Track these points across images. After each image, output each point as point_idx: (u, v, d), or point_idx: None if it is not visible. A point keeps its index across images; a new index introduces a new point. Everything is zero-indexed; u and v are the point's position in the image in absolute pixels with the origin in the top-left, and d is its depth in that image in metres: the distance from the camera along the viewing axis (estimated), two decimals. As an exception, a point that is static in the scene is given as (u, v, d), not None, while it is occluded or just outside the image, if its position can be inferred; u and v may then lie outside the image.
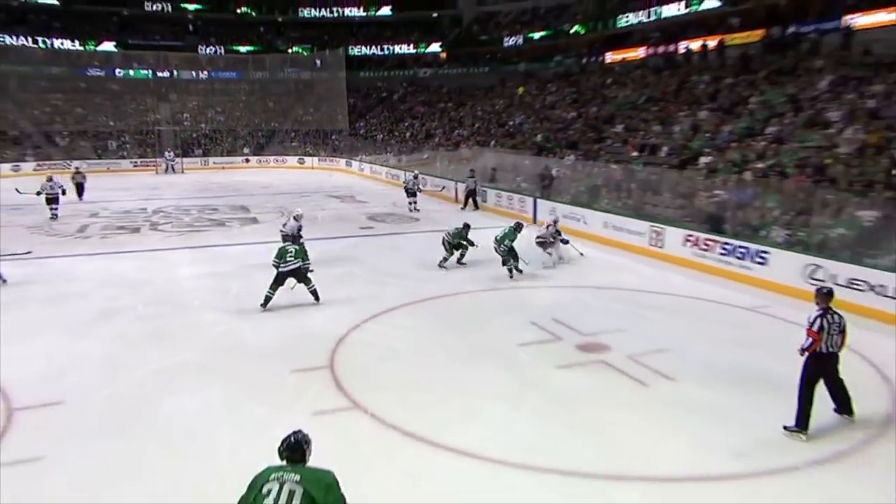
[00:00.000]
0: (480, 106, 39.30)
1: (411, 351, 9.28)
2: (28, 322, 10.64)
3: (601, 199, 18.32)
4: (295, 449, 4.06)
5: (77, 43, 47.34)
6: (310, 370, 8.52)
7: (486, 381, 8.17)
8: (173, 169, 39.02)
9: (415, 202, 22.48)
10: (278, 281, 10.92)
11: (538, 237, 14.41)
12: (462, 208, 22.71)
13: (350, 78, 47.61)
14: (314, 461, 4.14)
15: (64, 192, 22.16)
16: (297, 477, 3.88)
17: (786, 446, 6.51)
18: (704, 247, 13.70)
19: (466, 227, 14.14)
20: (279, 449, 4.08)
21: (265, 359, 8.91)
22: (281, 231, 14.70)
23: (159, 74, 48.58)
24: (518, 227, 13.34)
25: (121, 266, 14.80)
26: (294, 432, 4.20)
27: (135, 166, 40.44)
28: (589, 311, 10.89)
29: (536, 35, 44.68)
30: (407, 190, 22.95)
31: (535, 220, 19.04)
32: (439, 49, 51.99)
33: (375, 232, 18.97)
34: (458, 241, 14.03)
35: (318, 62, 50.95)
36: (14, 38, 45.24)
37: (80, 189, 25.61)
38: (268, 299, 10.92)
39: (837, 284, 10.77)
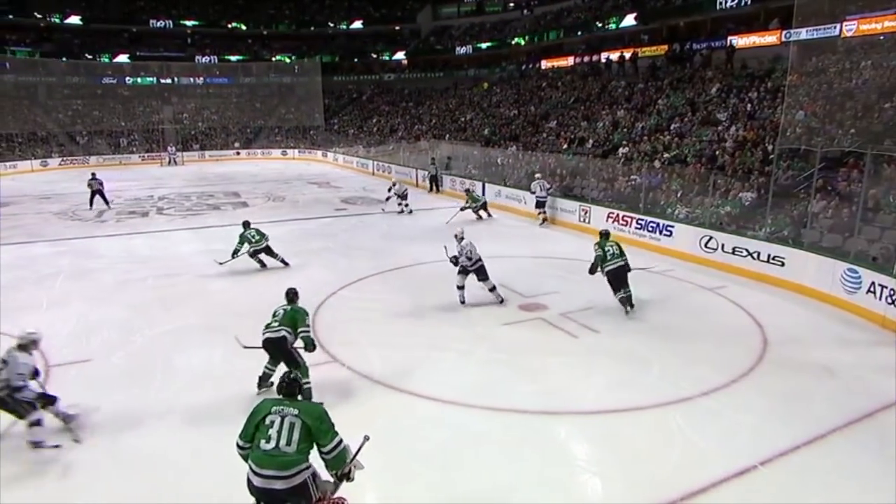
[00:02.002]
0: (436, 105, 39.00)
1: (380, 312, 9.31)
2: (60, 293, 10.46)
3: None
4: (291, 386, 4.08)
5: (95, 56, 46.55)
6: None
7: (443, 336, 8.28)
8: (175, 161, 38.01)
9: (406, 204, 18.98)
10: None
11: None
12: (429, 191, 22.64)
13: (325, 81, 46.95)
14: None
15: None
16: (296, 410, 3.90)
17: (684, 382, 6.74)
18: (624, 222, 13.93)
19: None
20: (278, 386, 4.09)
21: (257, 319, 8.79)
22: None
23: (163, 81, 47.35)
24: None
25: (134, 245, 14.52)
26: (288, 372, 4.30)
27: (143, 160, 39.31)
28: (529, 277, 11.01)
29: (484, 45, 44.38)
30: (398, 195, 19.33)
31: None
32: (402, 57, 51.41)
33: (347, 213, 18.86)
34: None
35: (298, 68, 50.11)
36: (43, 53, 44.76)
37: (97, 195, 20.03)
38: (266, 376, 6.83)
39: (724, 252, 11.19)
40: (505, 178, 20.13)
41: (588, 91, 27.13)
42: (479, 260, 9.38)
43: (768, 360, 7.37)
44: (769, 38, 22.46)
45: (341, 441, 3.96)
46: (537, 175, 16.81)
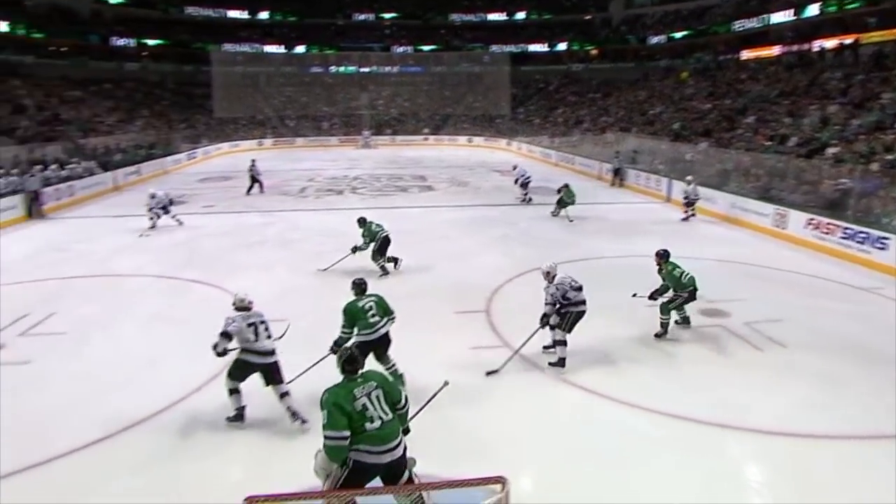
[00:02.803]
0: (625, 97, 37.71)
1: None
2: (265, 259, 11.75)
3: (730, 183, 17.12)
4: (356, 360, 4.01)
5: (305, 48, 51.69)
6: (470, 312, 8.77)
7: (614, 335, 8.02)
8: (369, 145, 40.71)
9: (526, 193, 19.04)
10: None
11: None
12: (610, 185, 22.01)
13: (513, 72, 47.42)
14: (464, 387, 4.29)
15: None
16: (373, 383, 3.92)
17: (884, 413, 5.92)
18: (826, 230, 12.47)
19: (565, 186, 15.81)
20: (342, 364, 3.98)
21: (436, 300, 9.25)
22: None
23: (362, 70, 51.12)
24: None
25: (329, 220, 15.88)
26: (345, 348, 4.18)
27: (340, 142, 42.65)
28: (712, 281, 10.21)
29: (678, 34, 41.95)
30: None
31: (668, 198, 18.23)
32: (591, 47, 50.25)
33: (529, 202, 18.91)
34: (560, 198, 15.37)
35: (487, 58, 51.06)
36: (266, 46, 51.16)
37: (255, 182, 20.45)
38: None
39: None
40: (694, 175, 18.92)
41: (794, 84, 24.62)
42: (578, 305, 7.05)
43: None
44: None
45: (407, 397, 4.08)
46: (689, 178, 16.04)
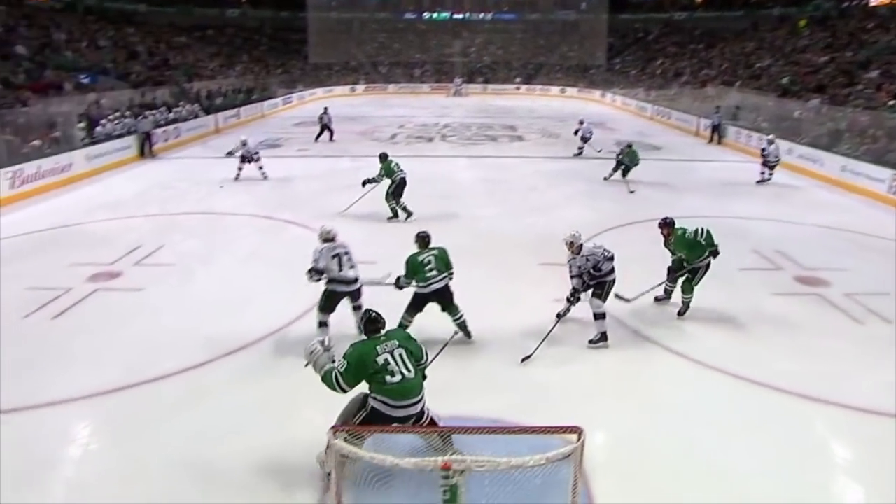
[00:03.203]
0: (730, 48, 35.24)
1: (640, 261, 9.02)
2: (356, 204, 12.09)
3: (842, 144, 15.85)
4: (377, 321, 4.20)
5: None
6: (552, 265, 8.71)
7: (703, 297, 7.74)
8: (460, 93, 40.39)
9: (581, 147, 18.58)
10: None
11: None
12: (708, 142, 20.88)
13: (611, 19, 45.31)
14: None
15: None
16: (395, 342, 4.10)
17: None
18: (950, 200, 11.41)
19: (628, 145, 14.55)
20: (365, 325, 4.20)
21: (520, 251, 9.24)
22: None
23: (455, 17, 50.26)
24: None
25: (419, 167, 15.95)
26: (368, 310, 4.35)
27: (431, 89, 42.53)
28: (813, 248, 9.72)
29: (797, -21, 38.51)
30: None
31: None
32: (697, -7, 47.14)
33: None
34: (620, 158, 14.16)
35: (584, 4, 48.87)
36: None
37: (325, 129, 20.52)
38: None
39: None
40: (801, 135, 17.66)
41: (931, 35, 22.18)
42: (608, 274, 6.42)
43: None
44: None
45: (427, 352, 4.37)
46: (770, 136, 14.75)
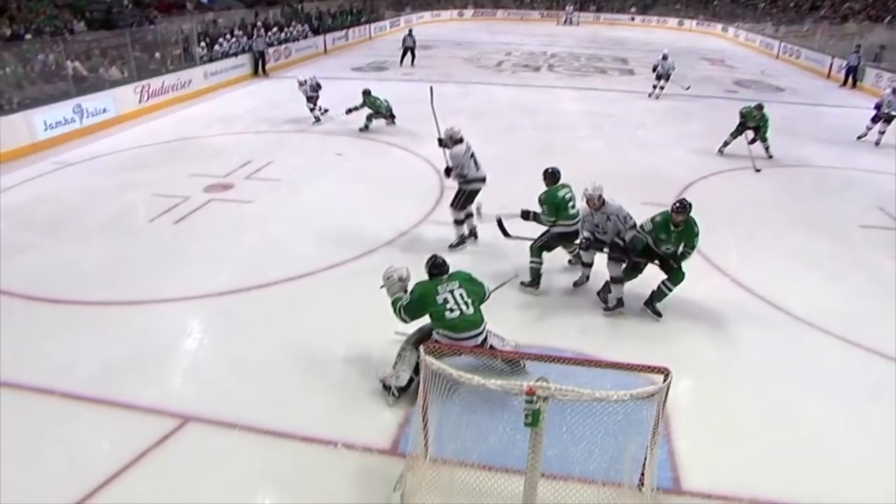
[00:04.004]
0: (883, -23, 31.31)
1: (748, 206, 8.57)
2: (459, 128, 12.04)
3: None
4: (443, 265, 4.47)
5: None
6: (654, 205, 8.37)
7: (815, 251, 7.28)
8: (571, 21, 38.60)
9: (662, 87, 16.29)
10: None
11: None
12: (841, 85, 18.84)
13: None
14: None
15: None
16: (456, 283, 4.40)
17: None
18: None
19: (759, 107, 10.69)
20: (429, 269, 4.47)
21: (622, 187, 8.62)
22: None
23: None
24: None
25: (523, 96, 15.72)
26: (434, 255, 4.55)
27: (542, 17, 40.83)
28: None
29: None
30: None
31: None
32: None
33: (739, 96, 16.93)
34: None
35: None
36: None
37: (409, 52, 20.32)
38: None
39: None
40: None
41: None
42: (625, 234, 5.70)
43: None
44: None
45: (489, 290, 4.68)
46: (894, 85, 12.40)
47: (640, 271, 5.68)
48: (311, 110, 12.49)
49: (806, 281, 6.56)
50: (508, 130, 11.80)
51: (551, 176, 6.11)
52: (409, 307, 4.42)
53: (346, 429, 4.15)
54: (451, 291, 4.36)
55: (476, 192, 6.85)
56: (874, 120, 11.97)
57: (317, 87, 12.42)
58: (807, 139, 12.32)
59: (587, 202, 5.63)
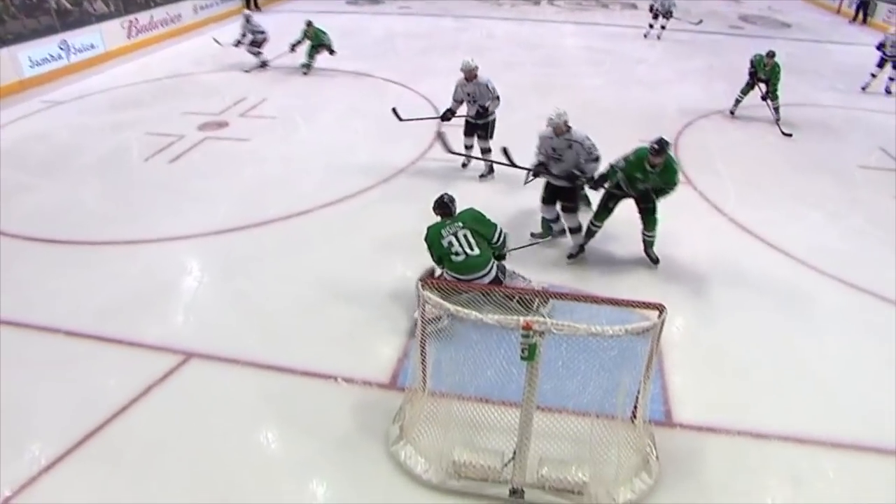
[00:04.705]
0: None
1: (747, 146, 8.51)
2: (456, 64, 11.70)
3: None
4: (444, 206, 4.52)
5: None
6: (655, 143, 8.38)
7: (815, 191, 7.25)
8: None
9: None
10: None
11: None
12: (851, 20, 18.13)
13: None
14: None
15: None
16: (460, 223, 4.44)
17: None
18: None
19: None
20: (434, 209, 4.53)
21: (621, 125, 8.74)
22: None
23: None
24: None
25: (522, 31, 15.33)
26: (442, 195, 4.58)
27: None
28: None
29: None
30: None
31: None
32: None
33: (744, 32, 16.49)
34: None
35: None
36: None
37: None
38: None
39: None
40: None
41: None
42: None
43: None
44: None
45: (502, 230, 4.56)
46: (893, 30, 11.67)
47: (611, 211, 5.47)
48: (257, 54, 11.62)
49: (805, 221, 6.58)
50: (507, 66, 11.54)
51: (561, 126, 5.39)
52: (430, 252, 4.53)
53: (345, 364, 4.24)
54: (455, 234, 4.40)
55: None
56: (880, 65, 11.17)
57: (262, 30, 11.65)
58: (812, 77, 12.09)
59: (554, 129, 5.27)
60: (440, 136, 6.44)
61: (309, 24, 11.24)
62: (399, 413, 3.72)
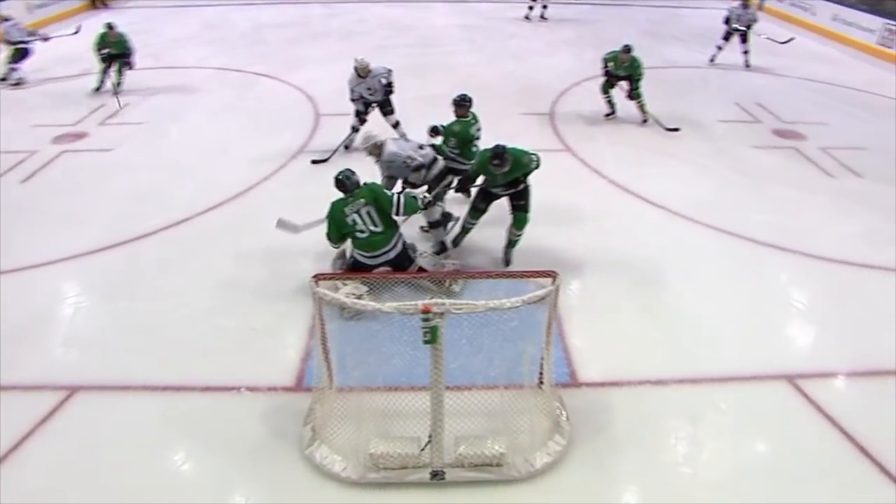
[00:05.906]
0: None
1: (622, 111, 8.96)
2: (328, 51, 11.67)
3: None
4: (343, 184, 4.49)
5: None
6: (533, 115, 8.73)
7: (683, 146, 7.87)
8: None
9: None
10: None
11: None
12: None
13: None
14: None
15: None
16: (362, 200, 4.47)
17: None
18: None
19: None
20: (336, 186, 4.51)
21: (501, 100, 9.07)
22: None
23: None
24: None
25: (392, 12, 15.32)
26: (341, 171, 4.54)
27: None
28: (794, 101, 9.65)
29: None
30: None
31: (761, 3, 16.37)
32: None
33: (609, 1, 17.12)
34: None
35: None
36: None
37: None
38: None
39: None
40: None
41: None
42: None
43: None
44: None
45: (398, 195, 4.55)
46: None
47: (483, 211, 5.31)
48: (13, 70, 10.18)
49: (678, 175, 7.12)
50: (380, 50, 11.46)
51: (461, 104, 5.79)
52: (330, 232, 4.58)
53: (247, 372, 4.12)
54: (358, 211, 4.46)
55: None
56: (725, 38, 11.22)
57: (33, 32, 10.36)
58: (668, 41, 12.99)
59: (370, 153, 5.31)
60: (281, 223, 5.14)
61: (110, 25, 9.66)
62: (309, 414, 3.67)
